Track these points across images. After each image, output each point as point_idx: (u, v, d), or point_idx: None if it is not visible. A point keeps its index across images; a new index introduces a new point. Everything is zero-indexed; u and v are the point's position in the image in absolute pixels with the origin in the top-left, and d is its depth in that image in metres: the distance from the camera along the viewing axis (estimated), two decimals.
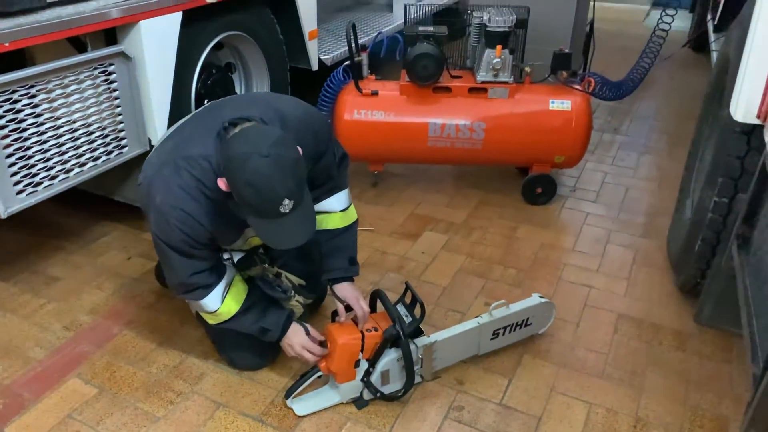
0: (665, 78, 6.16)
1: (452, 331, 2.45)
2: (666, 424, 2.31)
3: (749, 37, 2.07)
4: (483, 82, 3.57)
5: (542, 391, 2.45)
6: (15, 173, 2.59)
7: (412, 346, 2.32)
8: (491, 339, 2.53)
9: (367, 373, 2.31)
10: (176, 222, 2.03)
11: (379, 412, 2.34)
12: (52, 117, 2.70)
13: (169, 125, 3.06)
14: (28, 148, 2.63)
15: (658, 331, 2.77)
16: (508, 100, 3.57)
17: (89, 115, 2.85)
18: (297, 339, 2.34)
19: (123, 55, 2.91)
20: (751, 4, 2.18)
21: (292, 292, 2.52)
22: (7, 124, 2.52)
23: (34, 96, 2.60)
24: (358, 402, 2.36)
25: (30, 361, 2.57)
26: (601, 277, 3.15)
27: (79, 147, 2.84)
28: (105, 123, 2.94)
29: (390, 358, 2.31)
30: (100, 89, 2.87)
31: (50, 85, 2.64)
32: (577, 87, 3.60)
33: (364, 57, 3.67)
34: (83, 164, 2.88)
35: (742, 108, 2.09)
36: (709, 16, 5.92)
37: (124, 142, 3.05)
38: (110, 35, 2.93)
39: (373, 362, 2.30)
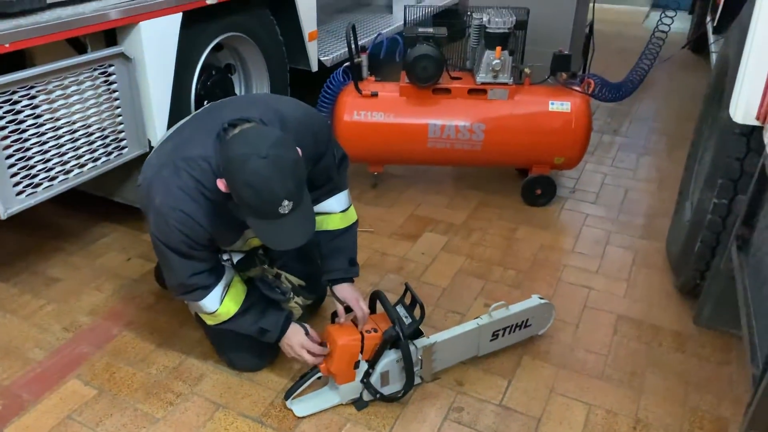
0: (665, 79, 6.16)
1: (452, 332, 2.45)
2: (666, 425, 2.31)
3: (748, 39, 2.07)
4: (483, 84, 3.57)
5: (542, 393, 2.45)
6: (15, 174, 2.59)
7: (411, 347, 2.32)
8: (491, 340, 2.53)
9: (367, 374, 2.31)
10: (175, 223, 2.03)
11: (379, 413, 2.34)
12: (51, 118, 2.71)
13: (169, 126, 3.06)
14: (28, 149, 2.63)
15: (657, 332, 2.77)
16: (507, 101, 3.57)
17: (89, 116, 2.85)
18: (296, 339, 2.34)
19: (123, 56, 2.91)
20: (750, 6, 2.18)
21: (291, 293, 2.52)
22: (7, 125, 2.52)
23: (34, 97, 2.60)
24: (358, 403, 2.36)
25: (29, 362, 2.57)
26: (601, 278, 3.15)
27: (78, 148, 2.84)
28: (105, 124, 2.94)
29: (390, 359, 2.31)
30: (99, 90, 2.87)
31: (50, 86, 2.64)
32: (577, 88, 3.60)
33: (363, 58, 3.67)
34: (83, 165, 2.88)
35: (742, 109, 2.09)
36: (708, 18, 5.92)
37: (123, 143, 3.05)
38: (110, 36, 2.93)
39: (372, 363, 2.30)
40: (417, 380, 2.40)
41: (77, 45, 2.88)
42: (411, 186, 4.05)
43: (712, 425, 2.31)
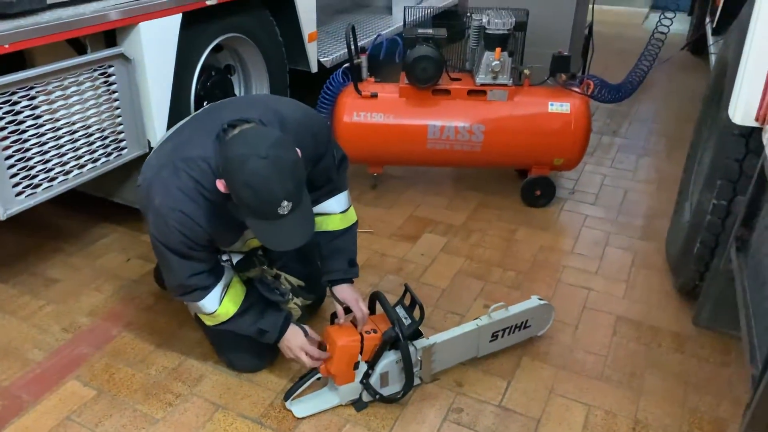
0: (664, 81, 6.17)
1: (451, 333, 2.45)
2: (665, 426, 2.31)
3: (748, 40, 2.08)
4: (482, 85, 3.57)
5: (541, 393, 2.45)
6: (14, 175, 2.59)
7: (411, 348, 2.32)
8: (490, 341, 2.53)
9: (366, 375, 2.31)
10: (175, 223, 2.03)
11: (378, 414, 2.34)
12: (51, 119, 2.71)
13: (169, 127, 3.06)
14: (28, 150, 2.63)
15: (656, 333, 2.77)
16: (507, 102, 3.58)
17: (88, 117, 2.85)
18: (295, 341, 2.34)
19: (122, 57, 2.91)
20: (749, 7, 2.19)
21: (290, 294, 2.52)
22: (7, 125, 2.52)
23: (33, 98, 2.60)
24: (357, 404, 2.36)
25: (29, 362, 2.57)
26: (600, 279, 3.15)
27: (78, 149, 2.84)
28: (104, 125, 2.94)
29: (389, 360, 2.31)
30: (99, 91, 2.87)
31: (50, 87, 2.64)
32: (576, 89, 3.60)
33: (363, 59, 3.67)
34: (82, 166, 2.88)
35: (741, 111, 2.09)
36: (707, 19, 5.93)
37: (123, 143, 3.05)
38: (110, 37, 2.93)
39: (372, 364, 2.30)
40: (416, 381, 2.40)
41: (77, 46, 2.88)
42: (410, 187, 4.05)
43: (711, 426, 2.31)
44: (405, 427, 2.29)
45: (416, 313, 2.34)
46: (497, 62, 3.48)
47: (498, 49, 3.46)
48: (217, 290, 2.24)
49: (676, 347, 2.69)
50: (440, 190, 4.02)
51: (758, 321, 1.73)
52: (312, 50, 4.27)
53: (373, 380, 2.31)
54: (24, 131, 2.60)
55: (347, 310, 2.40)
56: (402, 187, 4.04)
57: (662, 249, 3.34)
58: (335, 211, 2.46)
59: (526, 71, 3.61)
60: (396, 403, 2.36)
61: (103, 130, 2.94)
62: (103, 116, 2.92)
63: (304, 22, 4.10)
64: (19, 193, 2.63)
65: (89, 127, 2.88)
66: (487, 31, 3.48)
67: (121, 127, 3.01)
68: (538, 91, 3.63)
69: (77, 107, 2.79)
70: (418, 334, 2.39)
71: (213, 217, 2.07)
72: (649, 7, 8.78)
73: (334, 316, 2.45)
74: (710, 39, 5.15)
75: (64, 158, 2.79)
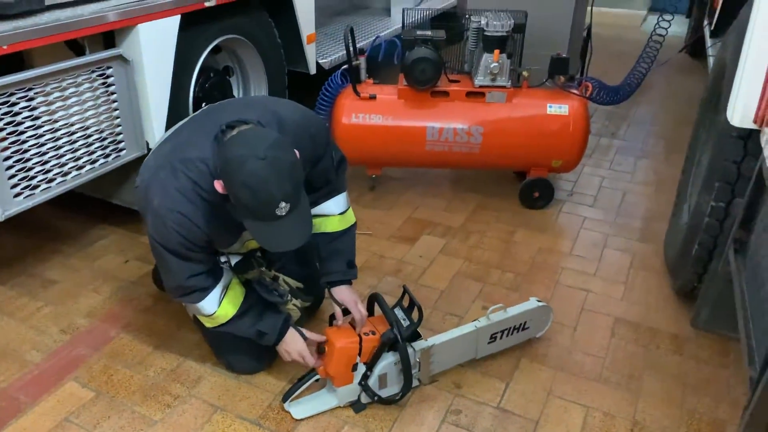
0: (662, 83, 6.18)
1: (450, 334, 2.45)
2: (663, 427, 2.31)
3: (746, 42, 2.08)
4: (481, 87, 3.57)
5: (540, 395, 2.45)
6: (12, 176, 2.59)
7: (409, 350, 2.32)
8: (489, 343, 2.53)
9: (365, 377, 2.31)
10: (173, 225, 2.03)
11: (377, 415, 2.34)
12: (49, 120, 2.71)
13: (167, 128, 3.06)
14: (26, 151, 2.62)
15: (655, 335, 2.78)
16: (505, 104, 3.58)
17: (87, 118, 2.85)
18: (294, 345, 2.34)
19: (121, 59, 2.91)
20: (747, 9, 2.19)
21: (289, 296, 2.52)
22: (5, 127, 2.52)
23: (32, 99, 2.60)
24: (356, 405, 2.36)
25: (27, 364, 2.57)
26: (599, 281, 3.15)
27: (76, 150, 2.84)
28: (103, 126, 2.94)
29: (388, 361, 2.31)
30: (98, 92, 2.87)
31: (48, 88, 2.64)
32: (575, 91, 3.60)
33: (362, 61, 3.68)
34: (81, 167, 2.88)
35: (739, 113, 2.09)
36: (705, 21, 5.94)
37: (121, 145, 3.05)
38: (108, 38, 2.93)
39: (370, 366, 2.30)
40: (415, 383, 2.40)
41: (75, 47, 2.88)
42: (409, 189, 4.05)
43: (709, 427, 2.31)
44: (403, 428, 2.29)
45: (415, 314, 2.34)
46: (496, 64, 3.48)
47: (496, 51, 3.47)
48: (216, 292, 2.24)
49: (674, 349, 2.69)
50: (439, 192, 4.02)
51: (756, 323, 1.73)
52: (310, 52, 4.27)
53: (372, 382, 2.31)
54: (22, 132, 2.60)
55: (346, 312, 2.40)
56: (401, 189, 4.04)
57: (660, 251, 3.34)
58: (334, 213, 2.46)
59: (525, 73, 3.62)
60: (394, 404, 2.36)
61: (102, 132, 2.94)
62: (102, 117, 2.92)
63: (303, 24, 4.10)
64: (17, 195, 2.63)
65: (87, 128, 2.88)
66: (486, 33, 3.48)
67: (120, 128, 3.01)
68: (537, 93, 3.63)
69: (76, 108, 2.79)
70: (416, 336, 2.38)
71: (211, 218, 2.07)
72: (648, 10, 8.79)
73: (332, 317, 2.44)
74: (708, 41, 5.16)
75: (63, 159, 2.79)
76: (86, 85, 2.80)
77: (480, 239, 3.50)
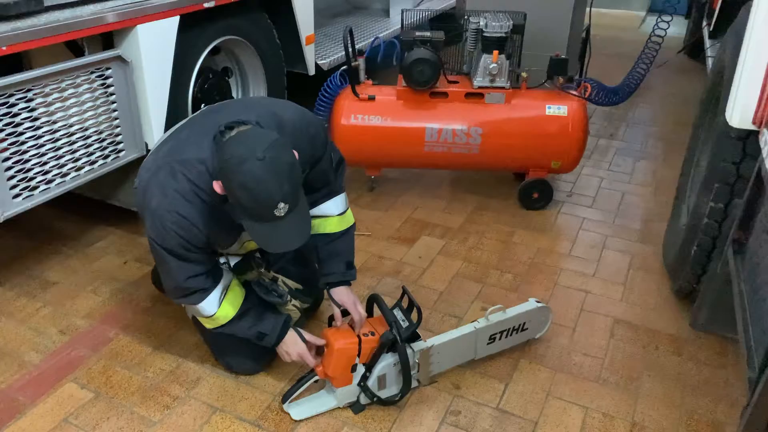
0: (661, 84, 6.18)
1: (449, 335, 2.45)
2: (662, 428, 2.31)
3: (745, 43, 2.08)
4: (480, 88, 3.58)
5: (539, 396, 2.45)
6: (12, 177, 2.59)
7: (408, 351, 2.32)
8: (488, 343, 2.53)
9: (364, 378, 2.31)
10: (172, 225, 2.03)
11: (376, 416, 2.34)
12: (49, 121, 2.71)
13: (166, 129, 3.06)
14: (25, 152, 2.62)
15: (654, 336, 2.78)
16: (504, 105, 3.58)
17: (86, 119, 2.85)
18: (294, 347, 2.34)
19: (120, 60, 2.91)
20: (746, 10, 2.19)
21: (289, 296, 2.52)
22: (4, 128, 2.52)
23: (31, 100, 2.60)
24: (355, 406, 2.36)
25: (25, 365, 2.56)
26: (598, 282, 3.16)
27: (75, 151, 2.84)
28: (102, 127, 2.94)
29: (387, 362, 2.31)
30: (97, 93, 2.87)
31: (47, 89, 2.64)
32: (574, 92, 3.61)
33: (361, 62, 3.68)
34: (80, 168, 2.88)
35: (738, 114, 2.10)
36: (704, 23, 5.95)
37: (120, 146, 3.05)
38: (107, 39, 2.93)
39: (369, 367, 2.30)
40: (414, 383, 2.40)
41: (75, 48, 2.88)
42: (408, 190, 4.05)
43: (708, 428, 2.31)
44: (402, 429, 2.29)
45: (414, 315, 2.34)
46: (495, 65, 3.48)
47: (495, 52, 3.47)
48: (216, 293, 2.24)
49: (673, 350, 2.70)
50: (438, 193, 4.02)
51: (755, 324, 1.73)
52: (309, 53, 4.27)
53: (371, 383, 2.31)
54: (21, 133, 2.60)
55: (345, 313, 2.40)
56: (399, 190, 4.04)
57: (659, 252, 3.35)
58: (333, 214, 2.46)
59: (524, 74, 3.62)
60: (394, 405, 2.36)
61: (101, 133, 2.94)
62: (101, 118, 2.92)
63: (302, 25, 4.10)
64: (16, 195, 2.63)
65: (86, 129, 2.88)
66: (485, 34, 3.48)
67: (119, 129, 3.01)
68: (536, 94, 3.64)
69: (75, 109, 2.79)
70: (415, 337, 2.38)
71: (210, 219, 2.07)
72: (647, 11, 8.80)
73: (331, 318, 2.44)
74: (707, 42, 5.17)
75: (62, 160, 2.79)
76: (85, 86, 2.80)
77: (479, 240, 3.51)
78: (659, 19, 5.12)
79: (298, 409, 2.34)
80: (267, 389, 2.46)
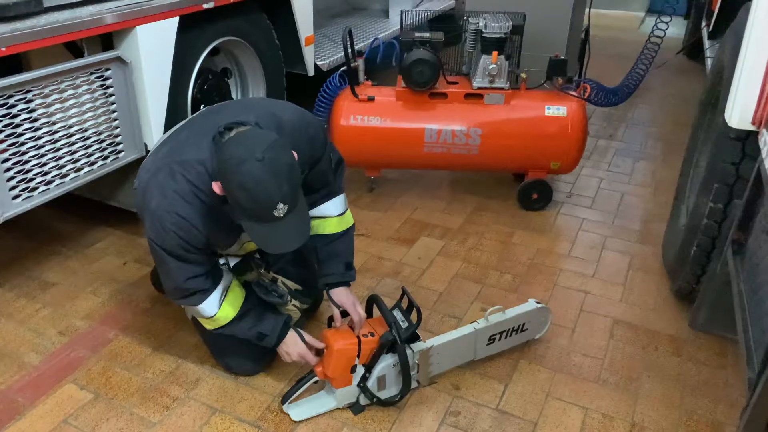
0: (660, 85, 6.19)
1: (448, 336, 2.45)
2: (662, 429, 2.31)
3: (744, 44, 2.08)
4: (479, 88, 3.58)
5: (538, 397, 2.45)
6: (11, 178, 2.59)
7: (408, 352, 2.32)
8: (487, 344, 2.53)
9: (364, 379, 2.31)
10: (172, 226, 2.03)
11: (376, 417, 2.34)
12: (48, 122, 2.71)
13: (165, 130, 3.06)
14: (25, 153, 2.62)
15: (653, 336, 2.78)
16: (504, 106, 3.58)
17: (85, 120, 2.85)
18: (294, 347, 2.34)
19: (119, 60, 2.91)
20: (745, 11, 2.20)
21: (288, 297, 2.52)
22: (4, 128, 2.52)
23: (30, 101, 2.60)
24: (355, 407, 2.36)
25: (25, 366, 2.56)
26: (597, 282, 3.16)
27: (75, 152, 2.84)
28: (101, 128, 2.94)
29: (386, 363, 2.31)
30: (96, 94, 2.87)
31: (47, 90, 2.64)
32: (573, 93, 3.61)
33: (360, 62, 3.68)
34: (79, 169, 2.88)
35: (738, 114, 2.10)
36: (703, 23, 5.95)
37: (120, 147, 3.05)
38: (107, 40, 2.93)
39: (369, 367, 2.30)
40: (414, 384, 2.40)
41: (74, 49, 2.88)
42: (407, 190, 4.05)
43: (707, 429, 2.31)
44: (402, 430, 2.29)
45: (413, 316, 2.34)
46: (494, 66, 3.48)
47: (495, 53, 3.47)
48: (216, 294, 2.24)
49: (672, 350, 2.70)
50: (437, 194, 4.02)
51: (755, 324, 1.73)
52: (309, 53, 4.27)
53: (371, 383, 2.31)
54: (21, 134, 2.60)
55: (344, 314, 2.40)
56: (399, 191, 4.04)
57: (659, 252, 3.35)
58: (332, 215, 2.46)
59: (523, 75, 3.62)
60: (393, 406, 2.36)
61: (100, 134, 2.94)
62: (100, 119, 2.92)
63: (301, 26, 4.10)
64: (15, 197, 2.63)
65: (86, 130, 2.87)
66: (484, 35, 3.48)
67: (118, 130, 3.01)
68: (535, 94, 3.64)
69: (74, 110, 2.79)
70: (415, 338, 2.38)
71: (209, 220, 2.07)
72: (646, 11, 8.81)
73: (331, 319, 2.44)
74: (706, 43, 5.17)
75: (61, 161, 2.78)
76: (84, 87, 2.80)
77: (478, 241, 3.51)
78: (658, 20, 5.12)
79: (297, 410, 2.34)
80: (266, 390, 2.46)
